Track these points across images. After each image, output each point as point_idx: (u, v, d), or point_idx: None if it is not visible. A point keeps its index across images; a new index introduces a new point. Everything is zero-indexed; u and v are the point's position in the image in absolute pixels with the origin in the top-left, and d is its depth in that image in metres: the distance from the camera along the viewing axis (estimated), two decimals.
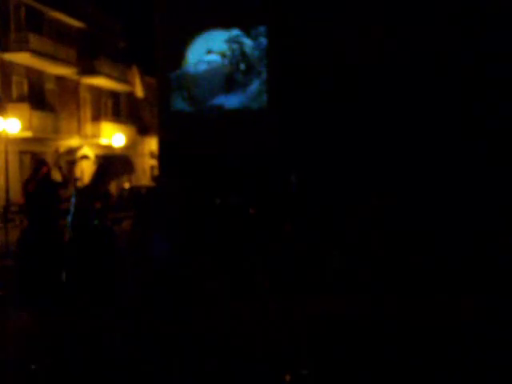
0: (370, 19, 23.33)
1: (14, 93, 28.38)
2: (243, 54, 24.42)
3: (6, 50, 27.46)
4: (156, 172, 32.68)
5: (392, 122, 18.00)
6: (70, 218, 9.77)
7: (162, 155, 24.64)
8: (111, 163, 30.47)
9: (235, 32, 24.31)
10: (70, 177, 9.97)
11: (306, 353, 6.27)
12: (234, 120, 23.62)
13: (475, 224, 10.05)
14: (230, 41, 24.50)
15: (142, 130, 39.63)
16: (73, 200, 9.15)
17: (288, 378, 5.57)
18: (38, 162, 7.51)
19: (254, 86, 24.36)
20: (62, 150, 31.29)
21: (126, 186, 34.58)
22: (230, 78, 24.56)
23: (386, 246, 8.82)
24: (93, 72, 33.86)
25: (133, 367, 5.88)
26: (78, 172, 29.29)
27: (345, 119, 22.88)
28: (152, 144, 37.55)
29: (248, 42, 24.22)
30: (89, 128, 34.64)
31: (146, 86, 41.01)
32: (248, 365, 6.01)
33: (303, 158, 13.44)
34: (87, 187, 9.90)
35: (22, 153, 28.24)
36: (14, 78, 28.41)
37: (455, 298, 7.80)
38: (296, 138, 23.03)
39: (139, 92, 40.41)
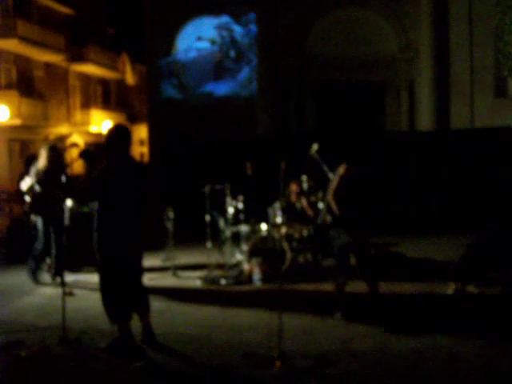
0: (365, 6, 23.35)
1: (3, 80, 28.18)
2: (233, 41, 24.38)
3: None
4: (146, 159, 32.56)
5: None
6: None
7: (152, 142, 24.63)
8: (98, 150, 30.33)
9: (225, 19, 24.25)
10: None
11: None
12: (224, 107, 23.63)
13: None
14: (220, 28, 24.44)
15: (132, 118, 39.50)
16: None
17: None
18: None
19: (244, 73, 24.33)
20: (51, 137, 31.12)
21: None
22: (220, 65, 24.53)
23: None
24: (82, 59, 33.65)
25: None
26: (67, 159, 29.20)
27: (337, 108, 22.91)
28: (142, 131, 37.42)
29: (238, 29, 24.17)
30: (78, 116, 34.47)
31: (135, 74, 40.84)
32: None
33: (294, 144, 13.44)
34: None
35: (11, 141, 28.09)
36: (2, 65, 28.20)
37: None
38: (286, 124, 23.07)
39: (130, 79, 40.22)
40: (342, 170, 7.17)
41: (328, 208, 7.22)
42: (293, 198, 10.12)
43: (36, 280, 9.46)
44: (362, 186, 7.19)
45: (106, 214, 6.05)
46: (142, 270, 6.37)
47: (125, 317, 6.14)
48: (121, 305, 6.15)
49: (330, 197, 7.13)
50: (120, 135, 6.07)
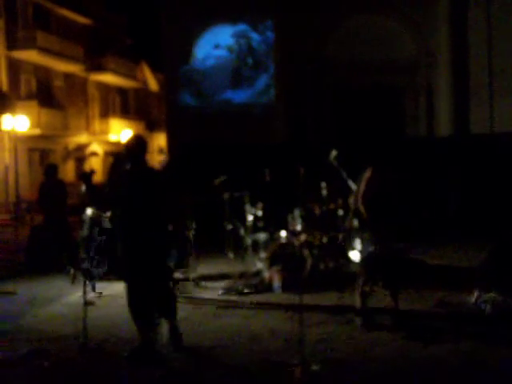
0: (381, 11, 23.31)
1: (23, 90, 28.45)
2: (250, 49, 24.42)
3: (14, 47, 27.51)
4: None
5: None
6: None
7: (171, 150, 24.69)
8: (120, 160, 30.48)
9: (242, 27, 24.31)
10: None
11: None
12: (243, 114, 23.65)
13: None
14: (237, 35, 24.49)
15: (151, 126, 39.67)
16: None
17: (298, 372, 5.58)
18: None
19: (262, 80, 24.36)
20: (70, 147, 31.35)
21: None
22: (238, 72, 24.57)
23: None
24: (100, 68, 33.91)
25: None
26: (87, 168, 29.39)
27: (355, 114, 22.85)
28: (161, 140, 37.57)
29: (255, 37, 24.21)
30: (97, 125, 34.70)
31: (154, 83, 41.04)
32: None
33: (313, 151, 13.40)
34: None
35: (30, 150, 28.32)
36: (22, 76, 28.47)
37: None
38: (304, 130, 23.03)
39: (153, 86, 40.39)
40: (367, 174, 7.15)
41: (354, 213, 7.20)
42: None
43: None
44: (389, 190, 7.15)
45: (125, 221, 6.29)
46: (170, 275, 6.54)
47: (151, 325, 6.26)
48: (148, 313, 6.29)
49: (358, 202, 7.10)
50: (137, 145, 6.45)
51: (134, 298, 6.28)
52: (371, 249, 7.01)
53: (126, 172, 6.46)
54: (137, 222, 6.21)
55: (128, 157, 6.39)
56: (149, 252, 6.24)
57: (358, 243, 7.19)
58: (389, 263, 7.06)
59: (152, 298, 6.30)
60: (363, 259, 7.15)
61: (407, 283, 8.62)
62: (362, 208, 7.03)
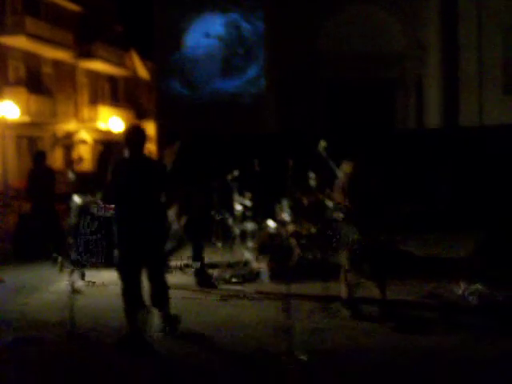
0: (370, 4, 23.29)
1: (11, 77, 28.25)
2: (241, 39, 24.35)
3: (3, 33, 27.29)
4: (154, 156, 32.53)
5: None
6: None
7: (160, 139, 24.65)
8: (110, 149, 30.39)
9: (233, 16, 24.24)
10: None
11: None
12: (232, 104, 23.62)
13: None
14: (228, 25, 24.42)
15: (140, 115, 39.50)
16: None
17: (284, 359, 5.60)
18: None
19: (252, 70, 24.31)
20: (59, 134, 31.20)
21: None
22: (228, 62, 24.51)
23: None
24: (90, 56, 33.72)
25: None
26: (75, 156, 29.26)
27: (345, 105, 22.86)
28: (150, 128, 37.43)
29: (246, 27, 24.15)
30: (86, 112, 34.53)
31: (144, 72, 40.86)
32: None
33: (302, 142, 13.39)
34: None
35: (19, 137, 28.16)
36: (11, 62, 28.27)
37: None
38: (295, 121, 23.02)
39: (142, 74, 40.20)
40: (346, 167, 7.19)
41: (337, 205, 7.22)
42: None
43: None
44: (369, 183, 7.17)
45: (122, 208, 6.38)
46: (164, 264, 6.72)
47: (140, 310, 6.31)
48: (140, 301, 6.34)
49: (338, 195, 7.14)
50: (136, 134, 6.57)
51: (128, 287, 6.30)
52: (356, 240, 7.03)
53: (124, 161, 6.54)
54: (135, 211, 6.27)
55: (127, 146, 6.46)
56: (146, 241, 6.29)
57: (343, 234, 7.23)
58: (375, 254, 7.08)
59: (139, 283, 6.33)
60: (348, 250, 7.17)
61: (395, 275, 8.66)
62: (344, 201, 7.07)
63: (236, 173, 10.64)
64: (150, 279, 6.44)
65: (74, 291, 6.92)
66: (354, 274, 7.17)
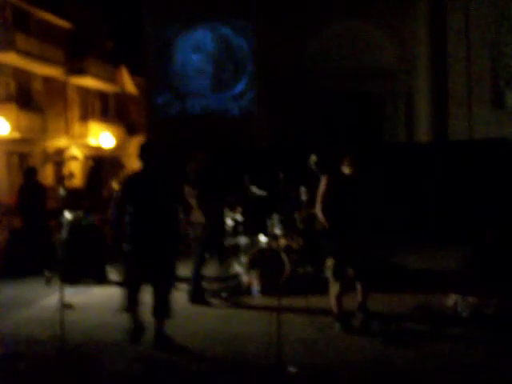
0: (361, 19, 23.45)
1: (1, 93, 28.24)
2: (231, 53, 24.44)
3: None
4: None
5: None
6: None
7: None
8: (101, 164, 30.36)
9: (223, 31, 24.34)
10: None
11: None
12: (222, 118, 23.68)
13: None
14: (218, 40, 24.51)
15: (131, 130, 39.51)
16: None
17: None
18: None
19: (242, 84, 24.39)
20: (49, 150, 31.17)
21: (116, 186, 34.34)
22: (218, 76, 24.59)
23: None
24: (80, 72, 33.72)
25: None
26: (66, 172, 29.18)
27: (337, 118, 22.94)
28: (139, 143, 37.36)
29: (236, 41, 24.24)
30: (77, 128, 34.50)
31: (134, 87, 40.90)
32: None
33: (293, 156, 13.45)
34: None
35: (9, 154, 28.10)
36: (1, 79, 28.27)
37: None
38: (285, 135, 23.08)
39: (132, 89, 40.23)
40: (323, 181, 7.28)
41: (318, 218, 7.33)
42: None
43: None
44: (346, 195, 7.21)
45: (138, 221, 6.67)
46: (171, 278, 6.97)
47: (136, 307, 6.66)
48: (136, 297, 6.65)
49: (316, 209, 7.24)
50: (151, 149, 7.00)
51: (131, 291, 6.64)
52: (338, 249, 7.11)
53: (137, 174, 7.00)
54: (149, 221, 6.61)
55: (141, 160, 6.88)
56: (159, 252, 6.63)
57: (325, 245, 7.32)
58: (359, 258, 7.15)
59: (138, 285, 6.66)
60: (332, 260, 7.20)
61: (386, 286, 8.70)
62: (320, 215, 7.16)
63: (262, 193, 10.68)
64: (155, 289, 6.65)
65: (65, 306, 6.91)
66: (340, 285, 7.19)
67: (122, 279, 6.89)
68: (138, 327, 6.66)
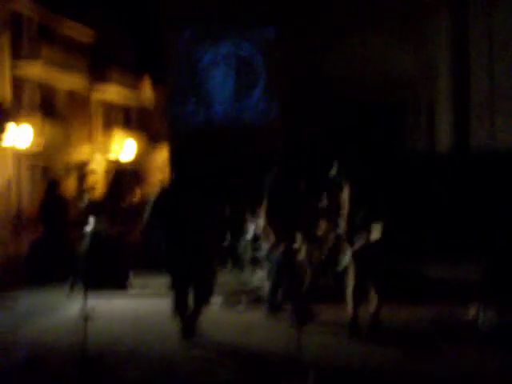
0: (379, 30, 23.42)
1: (26, 105, 28.51)
2: (251, 65, 24.52)
3: (19, 62, 27.58)
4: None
5: None
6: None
7: (173, 165, 24.73)
8: (122, 176, 30.57)
9: (243, 43, 24.44)
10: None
11: None
12: (244, 129, 23.72)
13: None
14: (238, 51, 24.61)
15: (154, 141, 39.64)
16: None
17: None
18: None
19: (262, 94, 24.43)
20: (72, 162, 31.39)
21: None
22: (239, 88, 24.67)
23: None
24: (104, 82, 33.97)
25: None
26: (88, 184, 29.37)
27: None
28: (163, 153, 37.49)
29: (255, 53, 24.33)
30: (100, 141, 34.74)
31: (157, 96, 41.08)
32: None
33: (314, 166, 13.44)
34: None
35: (33, 166, 28.32)
36: (26, 90, 28.57)
37: None
38: (305, 146, 23.06)
39: (154, 100, 40.41)
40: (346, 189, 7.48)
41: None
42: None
43: None
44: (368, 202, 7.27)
45: (175, 230, 6.98)
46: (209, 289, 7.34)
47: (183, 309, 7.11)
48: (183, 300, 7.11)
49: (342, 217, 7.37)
50: (185, 161, 7.39)
51: (178, 297, 7.10)
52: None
53: (173, 183, 7.35)
54: (185, 232, 6.94)
55: (174, 170, 7.54)
56: (196, 264, 7.01)
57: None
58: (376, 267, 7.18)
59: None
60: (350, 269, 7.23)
61: (404, 296, 8.65)
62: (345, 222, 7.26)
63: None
64: (195, 289, 7.10)
65: (86, 316, 6.96)
66: (357, 293, 7.23)
67: (169, 283, 7.20)
68: (185, 328, 7.01)
